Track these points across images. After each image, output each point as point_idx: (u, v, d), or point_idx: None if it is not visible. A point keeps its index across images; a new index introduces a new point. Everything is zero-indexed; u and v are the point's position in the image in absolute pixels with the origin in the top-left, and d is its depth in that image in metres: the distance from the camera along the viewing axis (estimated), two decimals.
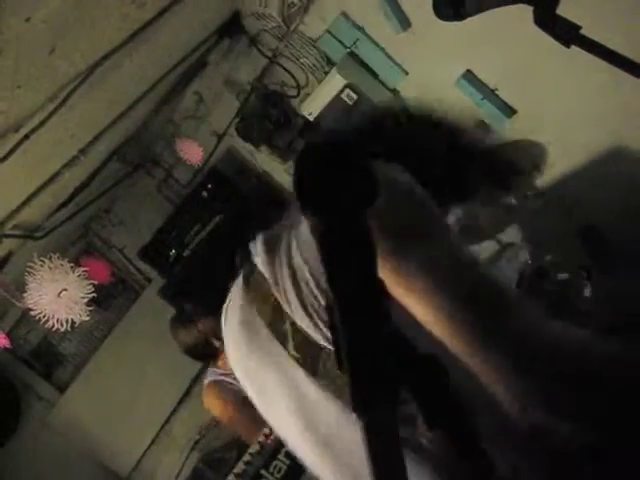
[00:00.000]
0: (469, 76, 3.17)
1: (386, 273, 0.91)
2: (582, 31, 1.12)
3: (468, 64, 3.15)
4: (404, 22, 3.13)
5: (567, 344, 0.85)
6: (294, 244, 1.07)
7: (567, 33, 1.12)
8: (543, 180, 3.38)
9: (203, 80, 4.18)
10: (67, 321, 2.78)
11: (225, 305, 1.28)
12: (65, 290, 2.76)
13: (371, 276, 0.61)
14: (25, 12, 1.52)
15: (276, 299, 1.09)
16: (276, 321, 1.09)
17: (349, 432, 1.05)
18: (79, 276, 2.81)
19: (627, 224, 3.17)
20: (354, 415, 0.59)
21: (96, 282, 2.92)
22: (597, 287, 2.78)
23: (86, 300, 2.84)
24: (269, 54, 3.75)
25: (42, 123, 2.17)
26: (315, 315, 1.04)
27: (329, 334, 0.99)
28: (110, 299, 4.96)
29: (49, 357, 4.87)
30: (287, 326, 1.07)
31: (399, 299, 0.92)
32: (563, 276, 2.79)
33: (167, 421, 4.80)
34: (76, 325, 2.82)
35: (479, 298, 0.88)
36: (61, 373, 4.87)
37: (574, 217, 3.36)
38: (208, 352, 3.21)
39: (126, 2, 2.11)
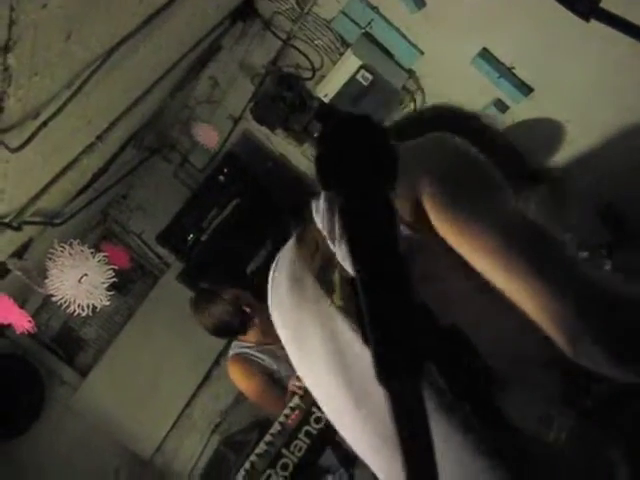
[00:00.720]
0: (485, 54, 3.14)
1: (446, 226, 0.96)
2: (601, 4, 1.10)
3: (484, 42, 3.12)
4: (419, 1, 3.10)
5: (620, 292, 0.88)
6: None
7: (586, 7, 1.10)
8: (562, 157, 3.36)
9: (218, 64, 4.18)
10: (88, 306, 2.81)
11: (274, 262, 1.32)
12: (86, 275, 2.78)
13: (393, 250, 0.61)
14: None
15: (327, 251, 1.12)
16: (324, 272, 1.13)
17: None
18: (99, 261, 2.84)
19: None
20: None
21: (116, 267, 2.94)
22: (617, 264, 2.76)
23: (107, 285, 2.87)
24: (283, 36, 3.74)
25: (59, 110, 2.18)
26: None
27: None
28: (129, 284, 5.01)
29: (71, 342, 4.93)
30: (336, 276, 1.10)
31: (460, 249, 0.95)
32: (583, 254, 2.77)
33: (188, 404, 4.85)
34: (97, 310, 2.86)
35: (537, 244, 0.91)
36: (83, 358, 4.93)
37: (594, 195, 3.34)
38: (236, 325, 3.21)
39: None
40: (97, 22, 1.99)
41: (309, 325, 1.17)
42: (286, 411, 2.62)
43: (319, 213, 1.15)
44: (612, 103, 2.98)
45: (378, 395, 1.06)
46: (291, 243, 1.28)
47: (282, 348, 3.51)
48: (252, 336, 3.27)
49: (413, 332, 0.58)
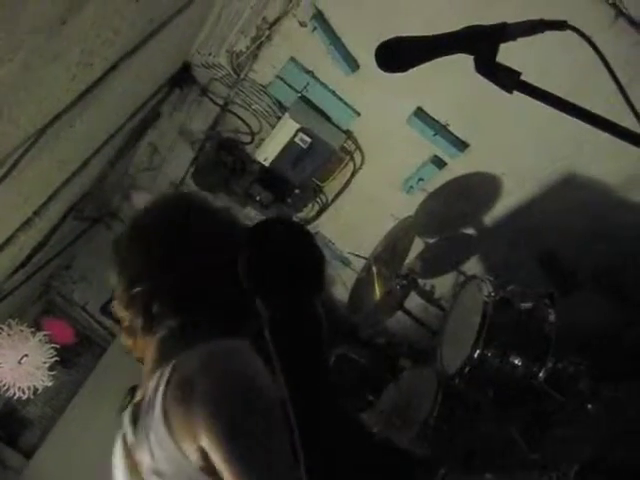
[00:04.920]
0: (420, 113, 3.22)
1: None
2: (523, 77, 1.15)
3: (418, 101, 3.20)
4: (352, 64, 3.18)
5: None
6: (152, 437, 1.11)
7: (508, 80, 1.14)
8: (500, 209, 3.43)
9: (157, 131, 4.17)
10: (29, 388, 2.71)
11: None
12: (26, 356, 2.69)
13: (321, 364, 0.60)
14: None
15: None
16: None
17: None
18: (40, 340, 2.76)
19: (583, 248, 3.22)
20: None
21: (59, 345, 2.86)
22: (560, 312, 2.80)
23: (48, 365, 2.78)
24: (221, 102, 3.76)
25: None
26: None
27: None
28: (75, 358, 4.84)
29: (13, 422, 4.70)
30: None
31: None
32: (527, 305, 2.80)
33: None
34: (39, 391, 2.76)
35: None
36: (27, 438, 4.70)
37: (532, 244, 3.41)
38: None
39: (72, 64, 2.10)
40: (28, 101, 1.97)
41: None
42: None
43: (127, 431, 1.20)
44: (545, 155, 3.07)
45: None
46: (119, 443, 1.28)
47: None
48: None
49: (348, 450, 0.57)
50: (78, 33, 1.94)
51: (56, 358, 2.81)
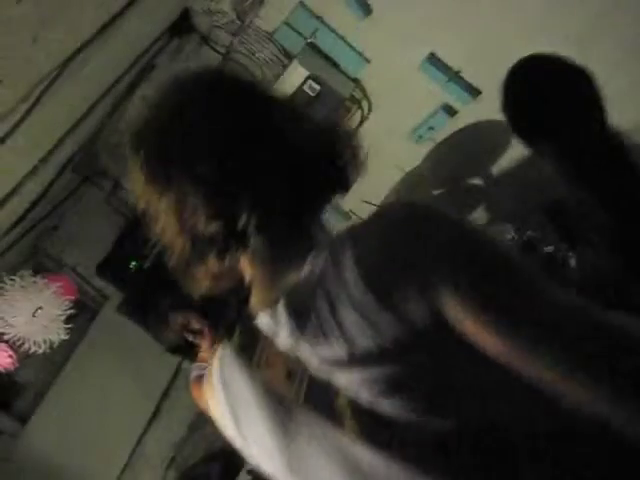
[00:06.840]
0: (433, 59, 3.16)
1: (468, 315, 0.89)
2: None
3: (431, 47, 3.13)
4: (365, 8, 3.09)
5: None
6: (343, 296, 0.94)
7: None
8: (509, 158, 3.40)
9: (152, 84, 4.03)
10: (45, 341, 2.61)
11: (217, 386, 1.21)
12: (40, 309, 2.58)
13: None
14: None
15: (313, 375, 1.00)
16: (318, 397, 0.99)
17: None
18: (54, 292, 2.65)
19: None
20: None
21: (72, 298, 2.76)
22: (581, 258, 2.80)
23: (64, 317, 2.68)
24: (222, 50, 3.64)
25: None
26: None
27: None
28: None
29: (6, 388, 4.56)
30: (341, 400, 0.96)
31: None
32: (549, 249, 2.80)
33: (139, 442, 4.58)
34: (55, 345, 2.65)
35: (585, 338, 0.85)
36: (21, 403, 4.57)
37: (541, 193, 3.39)
38: (185, 351, 3.14)
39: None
40: (59, 25, 1.85)
41: (315, 467, 1.00)
42: None
43: (285, 330, 1.04)
44: None
45: None
46: (241, 369, 1.13)
47: None
48: (210, 356, 3.19)
49: None
50: None
51: (72, 311, 2.71)
